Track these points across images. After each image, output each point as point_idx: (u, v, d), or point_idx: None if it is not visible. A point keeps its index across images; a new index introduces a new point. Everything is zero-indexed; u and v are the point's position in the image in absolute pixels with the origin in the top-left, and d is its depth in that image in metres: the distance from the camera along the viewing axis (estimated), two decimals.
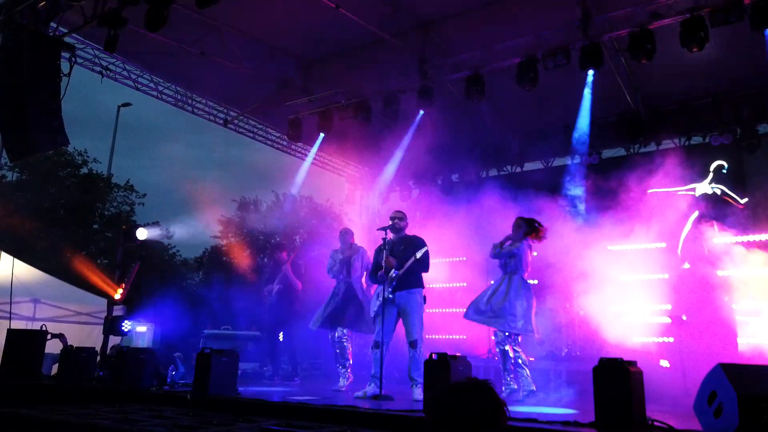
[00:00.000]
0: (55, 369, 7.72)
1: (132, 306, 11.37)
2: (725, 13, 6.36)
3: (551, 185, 9.60)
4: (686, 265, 7.94)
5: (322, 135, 10.26)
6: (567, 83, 8.31)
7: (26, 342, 6.96)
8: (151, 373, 6.13)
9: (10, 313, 8.39)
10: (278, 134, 11.75)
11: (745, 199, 8.59)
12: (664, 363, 6.97)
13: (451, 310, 10.04)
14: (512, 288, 6.02)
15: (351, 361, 6.86)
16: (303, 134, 10.15)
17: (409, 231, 6.45)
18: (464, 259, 10.18)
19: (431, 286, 7.82)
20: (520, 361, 5.91)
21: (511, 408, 1.73)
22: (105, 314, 9.23)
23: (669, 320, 7.56)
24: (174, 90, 10.33)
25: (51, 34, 7.70)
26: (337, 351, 6.79)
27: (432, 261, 6.25)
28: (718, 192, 8.76)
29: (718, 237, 7.61)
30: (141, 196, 22.32)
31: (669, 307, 7.81)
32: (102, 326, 9.03)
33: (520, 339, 6.04)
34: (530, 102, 9.33)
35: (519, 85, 7.79)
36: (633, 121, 9.49)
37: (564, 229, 7.57)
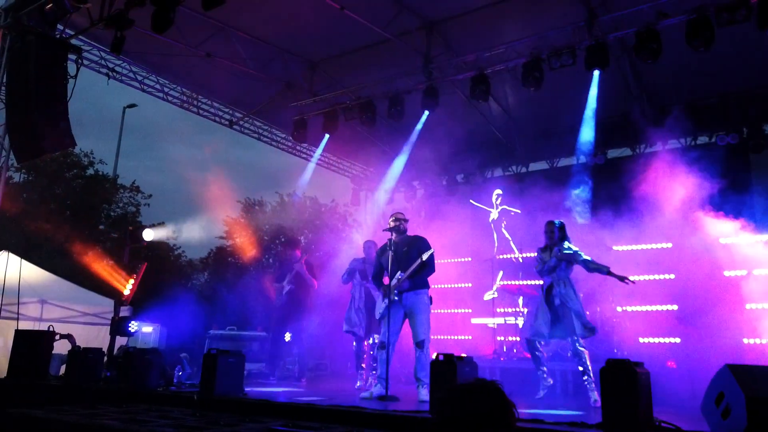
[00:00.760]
0: (62, 369, 7.75)
1: (138, 307, 11.41)
2: (731, 13, 6.33)
3: (557, 185, 9.58)
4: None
5: (327, 136, 10.28)
6: (572, 83, 8.29)
7: (34, 343, 6.99)
8: (157, 374, 6.15)
9: (18, 313, 8.44)
10: (283, 135, 11.78)
11: None
12: (671, 364, 6.95)
13: (456, 311, 10.05)
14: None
15: (366, 363, 6.96)
16: (308, 135, 10.17)
17: (414, 231, 6.46)
18: (469, 259, 10.17)
19: (435, 286, 7.81)
20: None
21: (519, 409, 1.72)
22: (111, 315, 9.27)
23: (676, 321, 7.53)
24: (180, 91, 10.38)
25: (58, 36, 7.74)
26: (372, 353, 6.88)
27: (437, 261, 6.25)
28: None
29: (727, 237, 7.56)
30: (147, 197, 22.41)
31: (675, 307, 7.79)
32: (108, 327, 9.07)
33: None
34: (536, 102, 9.32)
35: (524, 86, 7.79)
36: (639, 120, 9.46)
37: (569, 229, 7.55)
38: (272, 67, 9.52)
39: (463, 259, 10.16)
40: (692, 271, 7.34)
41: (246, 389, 5.66)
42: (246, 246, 17.39)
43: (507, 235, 10.18)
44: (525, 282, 9.21)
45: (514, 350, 8.58)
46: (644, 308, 7.95)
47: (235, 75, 9.52)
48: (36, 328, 8.75)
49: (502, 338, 9.01)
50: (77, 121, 7.61)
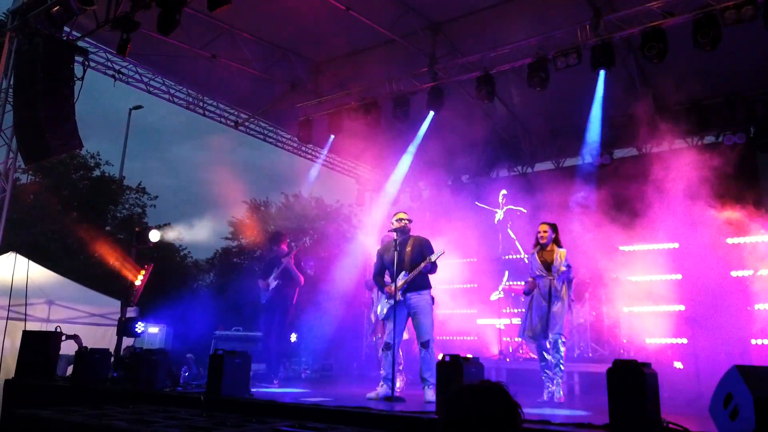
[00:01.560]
0: (69, 370, 7.78)
1: (145, 307, 11.45)
2: (738, 12, 6.29)
3: (563, 185, 9.55)
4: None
5: (332, 136, 10.28)
6: (578, 83, 8.26)
7: (41, 343, 7.02)
8: (164, 374, 6.16)
9: (26, 314, 8.47)
10: (289, 136, 11.80)
11: None
12: (678, 365, 6.92)
13: (462, 311, 10.03)
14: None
15: (402, 365, 6.84)
16: (313, 136, 10.18)
17: (419, 232, 6.45)
18: (475, 260, 10.16)
19: (441, 287, 7.80)
20: None
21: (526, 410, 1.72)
22: (118, 316, 9.30)
23: (683, 321, 7.50)
24: (185, 92, 10.41)
25: (64, 38, 7.78)
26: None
27: (442, 262, 6.24)
28: None
29: (734, 237, 7.53)
30: (153, 198, 22.49)
31: (683, 308, 7.75)
32: (115, 327, 9.10)
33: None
34: (541, 102, 9.30)
35: (529, 86, 7.77)
36: (645, 120, 9.41)
37: (575, 229, 7.54)
38: (277, 68, 9.54)
39: (468, 260, 10.15)
40: (699, 271, 7.31)
41: (251, 390, 5.67)
42: (252, 247, 17.44)
43: (512, 236, 10.17)
44: None
45: (520, 351, 8.57)
46: (651, 309, 7.91)
47: (241, 76, 9.55)
48: (43, 329, 8.79)
49: (508, 339, 8.99)
50: (84, 123, 7.66)
